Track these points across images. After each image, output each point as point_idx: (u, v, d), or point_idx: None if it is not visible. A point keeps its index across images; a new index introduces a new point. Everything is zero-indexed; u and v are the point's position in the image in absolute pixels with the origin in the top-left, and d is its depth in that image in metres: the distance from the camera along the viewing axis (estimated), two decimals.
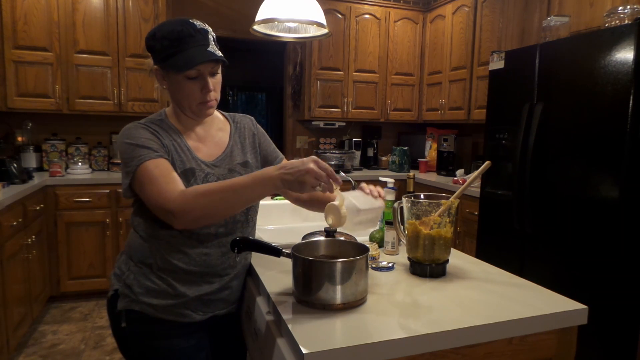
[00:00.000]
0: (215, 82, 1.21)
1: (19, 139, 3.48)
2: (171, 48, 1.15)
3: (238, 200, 1.09)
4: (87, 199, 3.19)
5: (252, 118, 1.45)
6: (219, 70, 1.23)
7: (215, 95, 1.22)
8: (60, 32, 3.29)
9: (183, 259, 1.19)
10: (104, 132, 3.80)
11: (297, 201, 1.48)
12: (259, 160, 1.39)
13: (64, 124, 3.68)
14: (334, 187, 1.07)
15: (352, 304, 1.03)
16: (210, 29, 1.21)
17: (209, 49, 1.16)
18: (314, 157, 1.05)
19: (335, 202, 1.17)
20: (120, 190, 3.38)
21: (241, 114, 1.42)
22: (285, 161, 1.22)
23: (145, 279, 1.18)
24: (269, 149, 1.44)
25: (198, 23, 1.19)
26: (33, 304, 2.78)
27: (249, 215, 1.31)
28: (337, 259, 1.03)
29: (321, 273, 1.01)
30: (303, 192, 1.05)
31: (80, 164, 3.49)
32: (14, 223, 2.46)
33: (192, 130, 1.27)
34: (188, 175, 1.19)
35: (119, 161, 3.64)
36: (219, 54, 1.19)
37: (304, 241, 1.23)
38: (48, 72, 3.30)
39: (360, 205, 1.22)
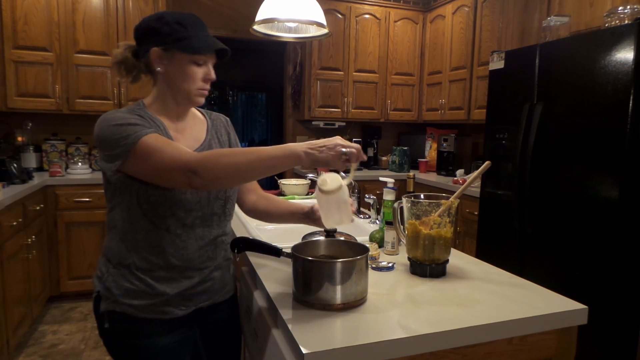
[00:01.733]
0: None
1: (19, 139, 3.48)
2: (184, 32, 1.17)
3: (260, 165, 1.05)
4: (87, 199, 3.19)
5: (227, 118, 1.44)
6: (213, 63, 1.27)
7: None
8: (60, 32, 3.29)
9: (161, 255, 1.18)
10: None
11: (250, 212, 1.46)
12: None
13: (64, 124, 3.68)
14: (353, 165, 1.07)
15: (352, 304, 1.03)
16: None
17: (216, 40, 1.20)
18: (338, 136, 1.06)
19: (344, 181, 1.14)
20: None
21: (216, 113, 1.42)
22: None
23: (124, 280, 1.17)
24: None
25: None
26: (33, 304, 2.78)
27: (227, 208, 1.29)
28: (337, 259, 1.03)
29: (321, 273, 1.01)
30: (328, 167, 1.04)
31: (80, 164, 3.49)
32: (14, 223, 2.46)
33: (172, 121, 1.26)
34: None
35: None
36: None
37: (303, 241, 1.23)
38: (48, 72, 3.30)
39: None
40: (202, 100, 1.25)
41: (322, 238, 1.30)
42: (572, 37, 2.37)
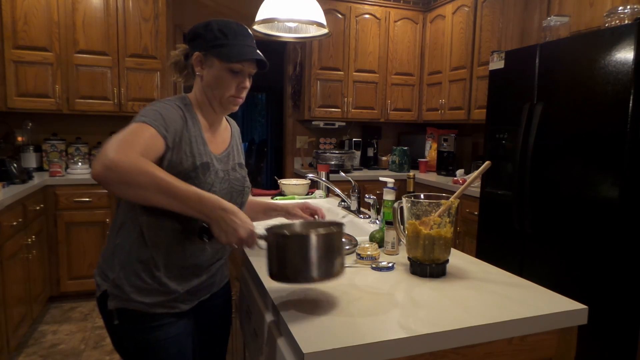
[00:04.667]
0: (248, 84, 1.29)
1: (19, 138, 3.48)
2: (225, 39, 1.21)
3: (165, 203, 1.03)
4: (87, 199, 3.19)
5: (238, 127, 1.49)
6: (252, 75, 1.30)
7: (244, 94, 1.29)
8: (60, 32, 3.29)
9: (182, 254, 1.20)
10: (104, 132, 3.80)
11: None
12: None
13: (64, 123, 3.68)
14: None
15: (327, 278, 1.02)
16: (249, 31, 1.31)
17: (257, 50, 1.25)
18: (252, 230, 1.07)
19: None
20: None
21: (233, 121, 1.47)
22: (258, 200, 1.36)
23: (136, 278, 1.18)
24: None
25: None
26: (33, 303, 2.78)
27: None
28: None
29: (296, 247, 1.00)
30: (219, 240, 1.07)
31: (80, 163, 3.49)
32: (14, 223, 2.46)
33: (208, 123, 1.29)
34: (204, 169, 1.20)
35: None
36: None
37: (279, 224, 1.23)
38: (48, 72, 3.30)
39: None
40: (234, 109, 1.30)
41: (297, 221, 1.32)
42: (572, 37, 2.37)
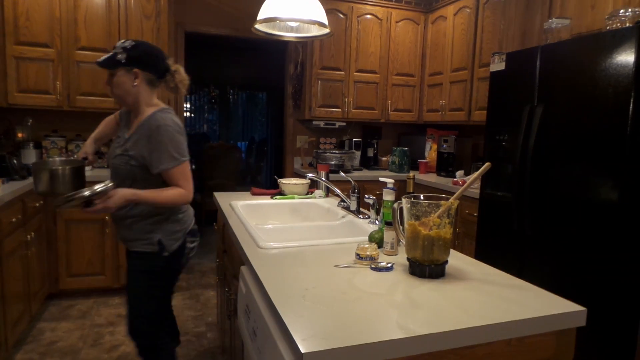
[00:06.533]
0: (111, 86, 1.79)
1: (19, 135, 3.48)
2: None
3: None
4: None
5: (163, 125, 1.73)
6: (114, 73, 1.76)
7: (113, 91, 1.79)
8: (62, 29, 3.29)
9: None
10: None
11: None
12: (147, 159, 1.74)
13: (64, 120, 3.67)
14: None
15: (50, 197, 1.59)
16: (119, 42, 1.79)
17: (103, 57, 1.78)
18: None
19: None
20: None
21: (164, 117, 1.76)
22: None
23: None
24: (151, 156, 1.74)
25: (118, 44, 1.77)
26: (32, 301, 2.78)
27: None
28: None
29: (36, 172, 1.64)
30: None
31: None
32: (13, 219, 2.45)
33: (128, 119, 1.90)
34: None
35: None
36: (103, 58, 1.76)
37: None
38: (49, 68, 3.29)
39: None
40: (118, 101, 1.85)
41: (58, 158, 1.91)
42: (573, 39, 2.37)
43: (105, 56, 1.76)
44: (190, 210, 1.97)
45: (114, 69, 1.75)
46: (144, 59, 1.78)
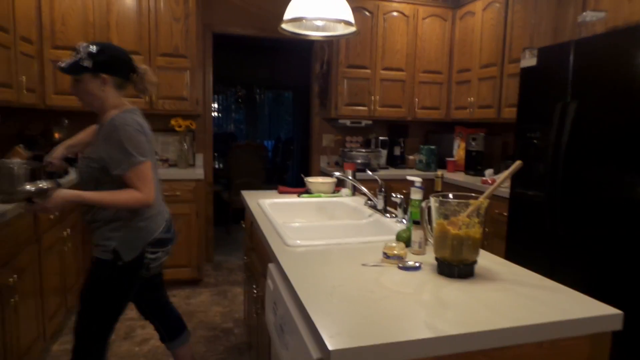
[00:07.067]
0: (77, 91, 1.76)
1: (56, 135, 3.61)
2: None
3: None
4: None
5: (121, 125, 1.68)
6: (80, 79, 1.72)
7: (79, 97, 1.78)
8: (95, 33, 3.40)
9: None
10: None
11: None
12: (106, 159, 1.68)
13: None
14: None
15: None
16: (82, 46, 1.70)
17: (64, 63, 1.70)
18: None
19: None
20: None
21: (124, 117, 1.72)
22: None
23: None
24: (110, 157, 1.68)
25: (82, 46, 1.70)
26: (67, 294, 2.88)
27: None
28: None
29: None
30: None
31: None
32: (51, 217, 2.55)
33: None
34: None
35: None
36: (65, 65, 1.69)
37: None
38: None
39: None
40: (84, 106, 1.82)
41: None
42: (608, 32, 2.29)
43: (68, 61, 1.69)
44: (159, 218, 1.83)
45: (80, 75, 1.70)
46: (111, 64, 1.73)
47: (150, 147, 1.80)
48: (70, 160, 2.14)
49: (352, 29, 2.09)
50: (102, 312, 1.80)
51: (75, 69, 1.68)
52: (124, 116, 1.72)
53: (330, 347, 0.85)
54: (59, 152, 1.97)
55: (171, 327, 2.12)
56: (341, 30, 2.17)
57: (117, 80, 1.77)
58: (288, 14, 1.99)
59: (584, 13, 2.50)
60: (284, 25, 2.08)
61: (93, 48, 1.69)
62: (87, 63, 1.67)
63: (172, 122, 3.76)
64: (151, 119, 4.01)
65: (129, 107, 1.82)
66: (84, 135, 2.03)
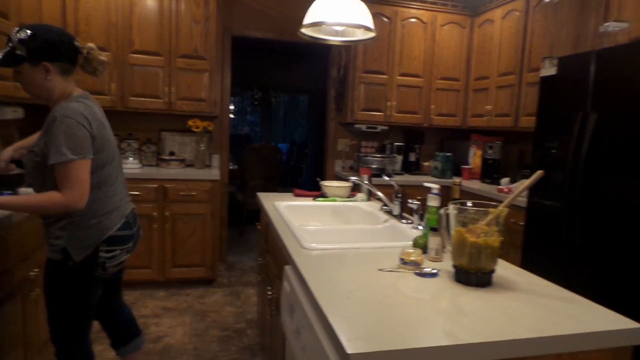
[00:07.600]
0: (20, 83, 1.59)
1: None
2: None
3: None
4: (137, 193, 3.33)
5: (61, 116, 1.51)
6: (20, 70, 1.54)
7: (24, 88, 1.60)
8: (118, 33, 3.46)
9: None
10: (153, 129, 3.96)
11: None
12: (45, 153, 1.54)
13: (117, 120, 3.84)
14: None
15: None
16: (13, 33, 1.52)
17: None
18: None
19: None
20: (168, 185, 3.47)
21: (68, 106, 1.55)
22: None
23: None
24: (48, 149, 1.53)
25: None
26: None
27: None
28: None
29: None
30: None
31: (131, 158, 3.65)
32: None
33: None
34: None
35: (167, 157, 3.79)
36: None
37: None
38: (105, 70, 3.45)
39: None
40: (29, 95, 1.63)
41: None
42: (631, 43, 2.26)
43: (2, 51, 1.51)
44: (116, 215, 1.69)
45: (18, 66, 1.52)
46: (50, 49, 1.54)
47: (102, 141, 1.63)
48: (19, 163, 1.90)
49: (371, 34, 2.10)
50: (66, 315, 1.69)
51: (11, 60, 1.50)
52: (68, 106, 1.54)
53: (349, 351, 0.85)
54: (6, 154, 1.84)
55: (119, 333, 2.04)
56: (360, 35, 2.18)
57: (61, 66, 1.59)
58: (308, 19, 2.01)
59: (607, 23, 2.48)
60: (303, 30, 2.10)
61: (24, 33, 1.49)
62: (21, 51, 1.49)
63: (190, 122, 3.81)
64: (169, 119, 4.09)
65: (80, 94, 1.67)
66: (38, 135, 1.83)
